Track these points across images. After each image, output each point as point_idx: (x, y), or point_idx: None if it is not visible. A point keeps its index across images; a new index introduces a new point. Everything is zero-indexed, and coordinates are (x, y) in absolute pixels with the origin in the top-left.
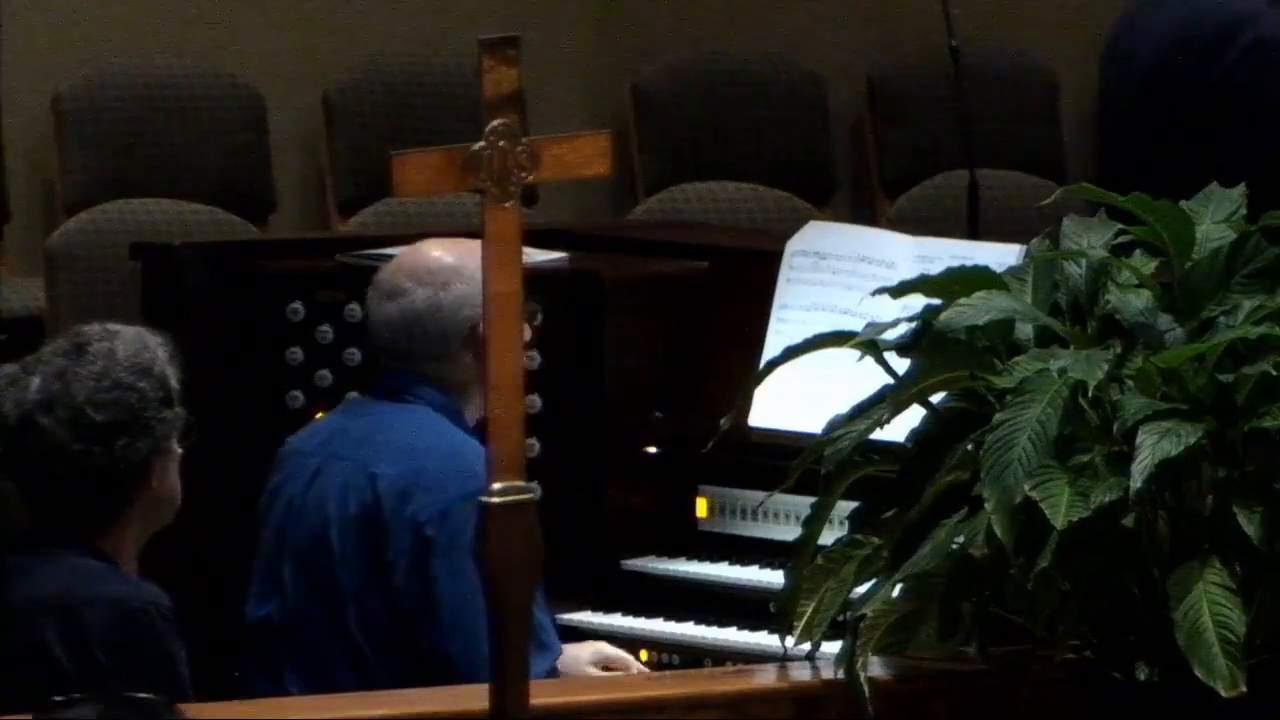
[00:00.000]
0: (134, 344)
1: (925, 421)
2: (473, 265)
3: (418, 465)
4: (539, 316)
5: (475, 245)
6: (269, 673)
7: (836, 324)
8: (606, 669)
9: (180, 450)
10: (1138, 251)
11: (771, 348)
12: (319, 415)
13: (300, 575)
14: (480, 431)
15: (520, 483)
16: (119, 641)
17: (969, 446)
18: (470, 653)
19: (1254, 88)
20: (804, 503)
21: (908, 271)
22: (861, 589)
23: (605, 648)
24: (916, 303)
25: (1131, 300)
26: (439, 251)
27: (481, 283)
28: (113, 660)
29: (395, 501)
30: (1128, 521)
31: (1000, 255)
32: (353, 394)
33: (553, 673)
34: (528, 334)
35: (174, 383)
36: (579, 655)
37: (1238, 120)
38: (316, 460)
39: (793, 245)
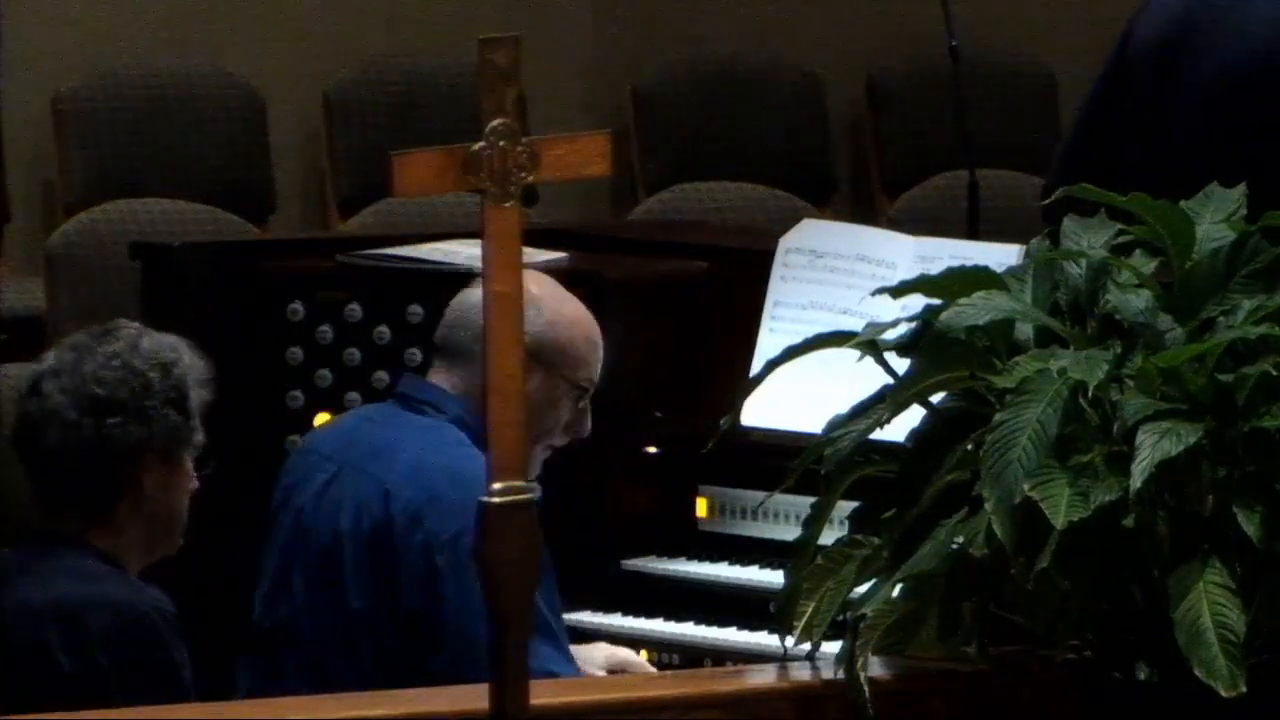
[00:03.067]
0: (162, 344)
1: (925, 421)
2: (552, 305)
3: (429, 487)
4: (586, 399)
5: (568, 299)
6: (272, 678)
7: (834, 323)
8: (615, 672)
9: (193, 472)
10: (1138, 251)
11: (765, 345)
12: (321, 417)
13: (311, 587)
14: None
15: (520, 483)
16: (121, 644)
17: (969, 446)
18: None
19: None
20: (804, 503)
21: (907, 271)
22: (861, 589)
23: (616, 651)
24: (916, 303)
25: (1131, 300)
26: (528, 282)
27: (545, 315)
28: (114, 663)
29: (406, 524)
30: (1128, 521)
31: (1000, 255)
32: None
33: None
34: (573, 409)
35: (193, 396)
36: (591, 657)
37: None
38: (331, 466)
39: (787, 242)
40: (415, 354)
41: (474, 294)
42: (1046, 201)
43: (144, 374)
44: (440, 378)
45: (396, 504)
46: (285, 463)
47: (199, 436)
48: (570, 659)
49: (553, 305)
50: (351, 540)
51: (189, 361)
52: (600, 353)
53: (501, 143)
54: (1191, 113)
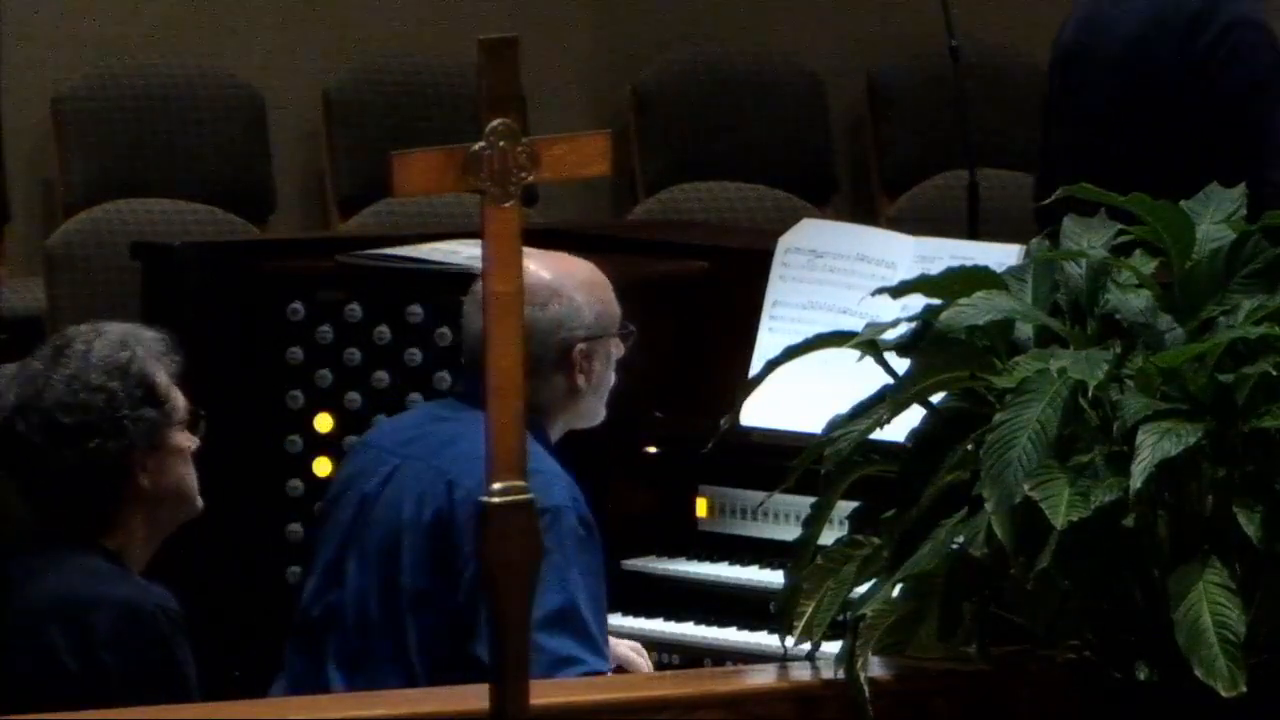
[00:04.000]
0: (112, 344)
1: (925, 421)
2: (571, 285)
3: None
4: (632, 339)
5: (572, 262)
6: (314, 666)
7: (834, 323)
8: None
9: (188, 444)
10: (1137, 251)
11: (765, 345)
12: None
13: (365, 573)
14: (556, 452)
15: (520, 482)
16: (125, 644)
17: (969, 446)
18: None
19: (1230, 66)
20: (804, 503)
21: (907, 271)
22: (861, 589)
23: (616, 646)
24: (916, 303)
25: (1131, 300)
26: (535, 265)
27: (582, 301)
28: (119, 662)
29: (469, 513)
30: (1128, 521)
31: (1000, 255)
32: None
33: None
34: (622, 351)
35: (160, 379)
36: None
37: (1214, 99)
38: (395, 459)
39: (786, 242)
40: (415, 354)
41: None
42: (1044, 202)
43: (105, 387)
44: None
45: (459, 493)
46: (345, 457)
47: (180, 411)
48: (601, 652)
49: (573, 286)
50: (412, 530)
51: (143, 348)
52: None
53: (501, 143)
54: (1094, 103)
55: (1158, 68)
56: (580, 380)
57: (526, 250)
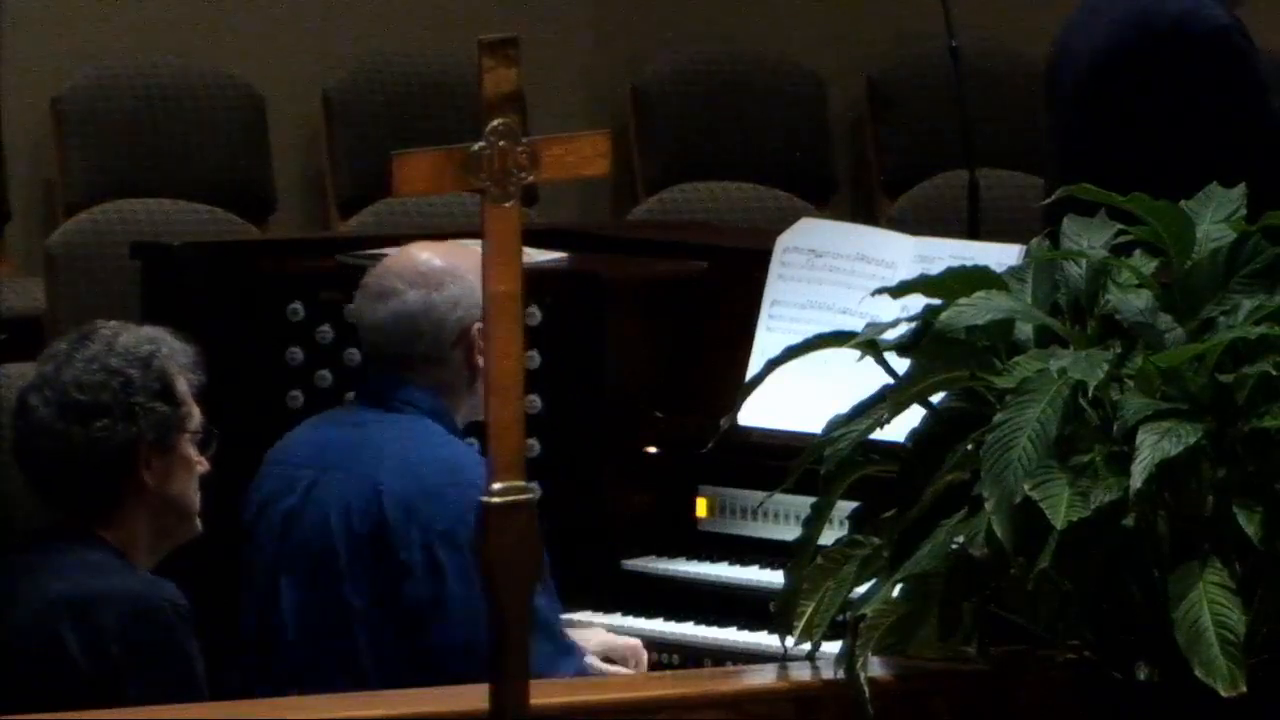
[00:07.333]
0: (139, 338)
1: (925, 421)
2: (464, 267)
3: (421, 480)
4: (538, 317)
5: (463, 247)
6: (264, 685)
7: (833, 323)
8: (610, 659)
9: (197, 458)
10: (1138, 251)
11: (763, 344)
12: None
13: (300, 587)
14: (469, 434)
15: (520, 483)
16: (134, 638)
17: (969, 446)
18: (477, 644)
19: (1203, 78)
20: (804, 503)
21: (907, 271)
22: (861, 589)
23: (611, 638)
24: (916, 303)
25: (1131, 300)
26: (428, 254)
27: (476, 283)
28: (128, 657)
29: (401, 516)
30: (1128, 521)
31: (1000, 255)
32: (339, 405)
33: (581, 674)
34: None
35: (180, 384)
36: (586, 637)
37: (1186, 109)
38: (309, 473)
39: (784, 241)
40: None
41: (408, 299)
42: (1043, 203)
43: (123, 372)
44: (400, 372)
45: (389, 499)
46: (255, 478)
47: (195, 421)
48: (570, 651)
49: (467, 269)
50: (345, 541)
51: (169, 350)
52: None
53: (501, 143)
54: (1070, 108)
55: (1128, 78)
56: (479, 359)
57: (421, 244)
